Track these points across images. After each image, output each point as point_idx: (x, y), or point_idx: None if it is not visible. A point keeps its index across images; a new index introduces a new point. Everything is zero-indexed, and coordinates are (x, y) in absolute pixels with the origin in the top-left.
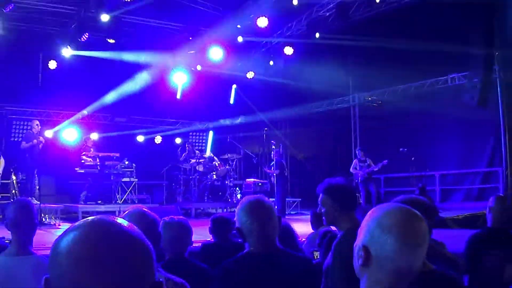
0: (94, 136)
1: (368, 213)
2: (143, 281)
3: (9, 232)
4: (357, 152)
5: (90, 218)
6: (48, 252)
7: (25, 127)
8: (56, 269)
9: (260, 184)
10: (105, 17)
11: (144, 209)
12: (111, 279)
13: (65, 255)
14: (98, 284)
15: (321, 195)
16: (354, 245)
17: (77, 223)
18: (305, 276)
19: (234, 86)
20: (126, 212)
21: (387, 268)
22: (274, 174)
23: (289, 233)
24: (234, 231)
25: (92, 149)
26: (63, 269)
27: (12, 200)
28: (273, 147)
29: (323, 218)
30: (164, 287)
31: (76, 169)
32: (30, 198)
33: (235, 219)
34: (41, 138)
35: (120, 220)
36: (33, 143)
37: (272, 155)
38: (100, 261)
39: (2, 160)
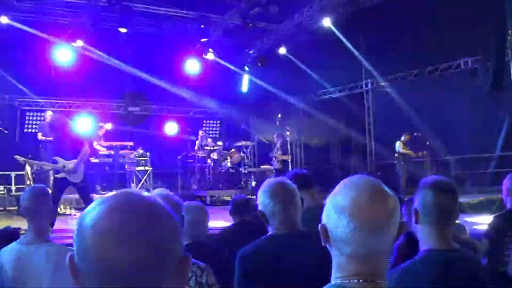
0: (108, 126)
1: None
2: (170, 254)
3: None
4: (404, 136)
5: (115, 192)
6: (64, 241)
7: (38, 118)
8: (81, 245)
9: (274, 170)
10: (114, 6)
11: (167, 192)
12: (138, 252)
13: (90, 229)
14: (124, 258)
15: None
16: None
17: (102, 197)
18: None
19: (246, 76)
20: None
21: (344, 252)
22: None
23: None
24: (255, 216)
25: (102, 139)
26: (88, 244)
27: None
28: (288, 133)
29: None
30: (191, 261)
31: (90, 159)
32: None
33: (257, 202)
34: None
35: (145, 193)
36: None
37: (276, 139)
38: (126, 234)
39: (86, 147)
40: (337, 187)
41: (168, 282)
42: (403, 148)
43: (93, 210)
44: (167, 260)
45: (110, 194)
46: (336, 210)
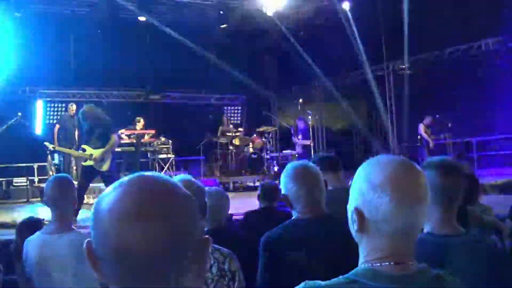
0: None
1: (358, 169)
2: (190, 237)
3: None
4: (427, 118)
5: (131, 175)
6: (87, 230)
7: (59, 109)
8: (98, 229)
9: (296, 155)
10: None
11: (191, 178)
12: (156, 236)
13: (107, 213)
14: (142, 241)
15: None
16: (347, 208)
17: (118, 181)
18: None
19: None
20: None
21: (385, 231)
22: (303, 144)
23: None
24: (280, 203)
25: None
26: (105, 228)
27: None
28: (309, 117)
29: None
30: (210, 243)
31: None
32: None
33: (280, 186)
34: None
35: (162, 176)
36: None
37: (298, 123)
38: (144, 217)
39: (114, 137)
40: (367, 167)
41: (188, 265)
42: (425, 132)
43: (109, 194)
44: (186, 242)
45: (125, 177)
46: (375, 188)
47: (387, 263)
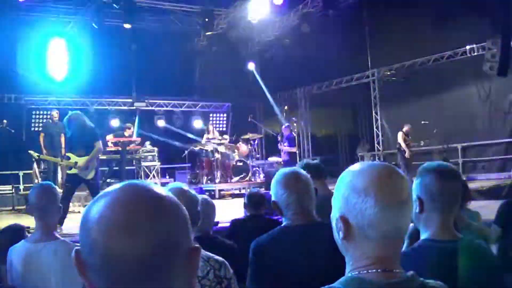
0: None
1: (339, 178)
2: (179, 246)
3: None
4: (406, 126)
5: (120, 183)
6: (72, 238)
7: (44, 117)
8: (87, 238)
9: (282, 163)
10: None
11: (184, 186)
12: (145, 245)
13: (96, 221)
14: (132, 250)
15: None
16: (331, 217)
17: (107, 189)
18: None
19: (252, 65)
20: (166, 188)
21: (371, 237)
22: (289, 152)
23: None
24: (266, 210)
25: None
26: (93, 237)
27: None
28: (295, 125)
29: None
30: (200, 252)
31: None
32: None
33: (270, 192)
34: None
35: (152, 184)
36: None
37: (283, 130)
38: (133, 226)
39: (99, 144)
40: (348, 175)
41: (178, 274)
42: (404, 140)
43: (98, 203)
44: (176, 251)
45: (114, 185)
46: (359, 193)
47: (374, 271)
